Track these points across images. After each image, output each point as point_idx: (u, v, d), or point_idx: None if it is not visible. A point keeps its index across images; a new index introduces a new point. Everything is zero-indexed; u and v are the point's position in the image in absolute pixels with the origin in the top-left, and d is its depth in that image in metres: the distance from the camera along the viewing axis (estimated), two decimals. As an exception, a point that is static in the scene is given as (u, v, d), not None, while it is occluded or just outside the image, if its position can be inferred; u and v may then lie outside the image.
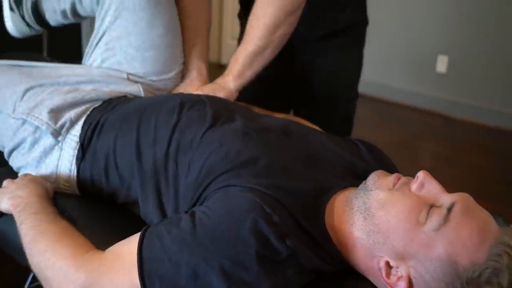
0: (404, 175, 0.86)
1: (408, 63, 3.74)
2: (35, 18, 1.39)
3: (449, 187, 0.82)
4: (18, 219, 0.90)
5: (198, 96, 1.11)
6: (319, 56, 1.49)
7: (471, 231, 0.74)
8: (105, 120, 1.05)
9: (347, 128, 1.61)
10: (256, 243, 0.74)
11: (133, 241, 0.79)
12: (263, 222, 0.76)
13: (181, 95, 1.11)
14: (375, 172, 0.85)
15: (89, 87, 1.14)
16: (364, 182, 0.85)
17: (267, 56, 1.26)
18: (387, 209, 0.79)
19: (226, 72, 1.27)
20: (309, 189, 0.86)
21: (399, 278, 0.77)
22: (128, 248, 0.78)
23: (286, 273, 0.76)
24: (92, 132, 1.05)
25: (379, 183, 0.82)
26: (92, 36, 1.27)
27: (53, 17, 1.38)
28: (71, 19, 1.38)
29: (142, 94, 1.19)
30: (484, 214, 0.77)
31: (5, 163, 1.18)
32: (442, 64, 3.63)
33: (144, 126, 1.01)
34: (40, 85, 1.12)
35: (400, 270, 0.77)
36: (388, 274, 0.78)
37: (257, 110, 1.23)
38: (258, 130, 0.97)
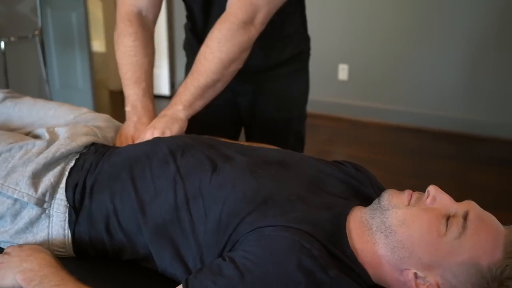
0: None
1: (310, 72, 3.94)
2: None
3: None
4: None
5: (181, 139, 1.09)
6: (269, 82, 1.54)
7: (487, 235, 0.82)
8: (93, 182, 1.00)
9: (300, 146, 1.68)
10: (304, 279, 0.77)
11: None
12: (306, 258, 0.78)
13: (163, 141, 1.08)
14: (387, 191, 0.91)
15: (55, 142, 1.08)
16: (377, 201, 0.91)
17: (219, 88, 1.28)
18: (408, 225, 0.85)
19: (175, 101, 1.25)
20: (326, 217, 0.90)
21: (428, 287, 0.84)
22: None
23: None
24: (82, 195, 1.00)
25: (395, 202, 0.89)
26: None
27: None
28: None
29: (99, 137, 1.16)
30: (492, 218, 0.86)
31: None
32: (343, 72, 3.89)
33: (139, 181, 0.98)
34: (9, 150, 1.04)
35: (429, 279, 0.84)
36: (418, 285, 0.84)
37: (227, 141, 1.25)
38: (261, 165, 1.00)
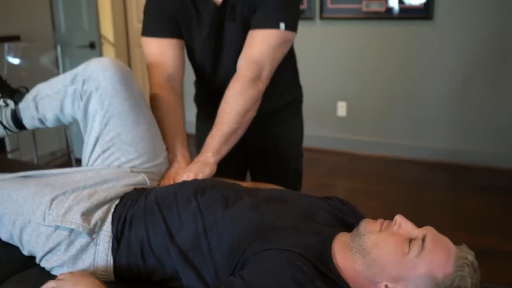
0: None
1: (311, 110, 4.22)
2: (13, 123, 1.54)
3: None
4: None
5: (203, 182, 1.34)
6: (269, 127, 1.79)
7: (441, 252, 1.05)
8: (132, 216, 1.25)
9: (299, 181, 1.92)
10: None
11: None
12: (298, 273, 1.02)
13: (189, 184, 1.33)
14: (364, 220, 1.15)
15: (104, 186, 1.33)
16: (356, 228, 1.14)
17: (239, 134, 1.53)
18: (380, 247, 1.08)
19: (205, 149, 1.50)
20: (315, 241, 1.13)
21: None
22: None
23: None
24: (123, 226, 1.24)
25: (369, 229, 1.12)
26: (85, 144, 1.45)
27: (31, 123, 1.53)
28: (47, 125, 1.53)
29: (148, 182, 1.40)
30: (445, 239, 1.09)
31: (30, 265, 1.31)
32: (342, 109, 4.16)
33: (168, 215, 1.22)
34: (63, 193, 1.28)
35: None
36: None
37: (235, 181, 1.50)
38: (263, 202, 1.24)
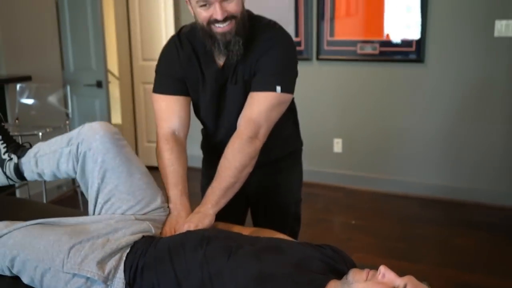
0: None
1: (309, 146, 4.39)
2: (16, 175, 1.74)
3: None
4: None
5: (207, 232, 1.48)
6: (270, 175, 1.92)
7: None
8: (143, 264, 1.39)
9: (298, 225, 2.05)
10: None
11: None
12: None
13: (195, 234, 1.48)
14: (352, 270, 1.30)
15: (116, 235, 1.48)
16: (345, 277, 1.29)
17: (237, 188, 1.67)
18: (366, 295, 1.23)
19: (205, 201, 1.63)
20: None
21: None
22: None
23: None
24: (135, 274, 1.38)
25: (357, 278, 1.27)
26: (89, 199, 1.62)
27: (30, 175, 1.73)
28: (44, 179, 1.74)
29: (153, 229, 1.55)
30: (424, 286, 1.24)
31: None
32: (338, 146, 4.34)
33: (176, 263, 1.37)
34: (80, 242, 1.43)
35: None
36: None
37: (238, 227, 1.65)
38: (263, 251, 1.39)
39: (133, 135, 4.89)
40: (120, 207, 1.57)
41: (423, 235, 3.48)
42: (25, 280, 1.49)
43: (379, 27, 4.03)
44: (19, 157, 1.71)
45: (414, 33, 3.92)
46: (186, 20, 4.64)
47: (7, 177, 1.73)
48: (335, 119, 4.32)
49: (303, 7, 4.22)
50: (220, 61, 1.73)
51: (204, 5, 1.59)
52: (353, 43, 4.13)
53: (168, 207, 1.68)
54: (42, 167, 1.67)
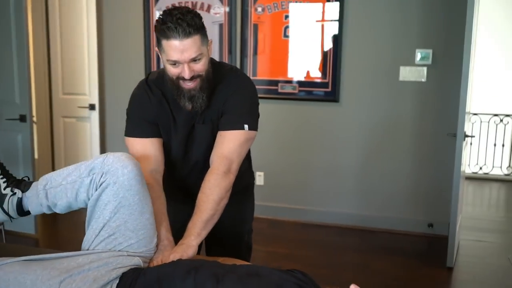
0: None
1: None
2: (17, 210, 1.69)
3: None
4: None
5: (194, 261, 1.58)
6: (227, 207, 2.03)
7: None
8: None
9: (249, 254, 2.20)
10: None
11: None
12: None
13: (184, 263, 1.57)
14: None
15: (106, 268, 1.52)
16: None
17: (215, 219, 1.79)
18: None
19: (187, 233, 1.72)
20: None
21: None
22: None
23: None
24: None
25: None
26: (89, 227, 1.63)
27: (37, 209, 1.69)
28: (54, 211, 1.69)
29: (142, 264, 1.62)
30: None
31: None
32: (259, 178, 4.55)
33: None
34: (70, 275, 1.46)
35: None
36: None
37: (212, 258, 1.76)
38: (246, 277, 1.52)
39: (50, 169, 4.75)
40: (120, 243, 1.60)
41: (344, 261, 3.76)
42: (11, 316, 1.48)
43: (300, 69, 4.37)
44: (23, 191, 1.68)
45: (330, 76, 4.29)
46: (110, 52, 4.68)
47: (6, 213, 1.68)
48: (257, 153, 4.51)
49: (227, 47, 4.45)
50: (189, 105, 1.85)
51: (174, 64, 1.72)
52: (275, 82, 4.41)
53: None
54: (55, 199, 1.63)
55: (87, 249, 1.63)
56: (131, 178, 1.58)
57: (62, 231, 4.35)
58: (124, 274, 1.54)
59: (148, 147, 1.86)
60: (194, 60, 1.71)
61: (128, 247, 1.62)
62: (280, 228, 4.40)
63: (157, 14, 4.54)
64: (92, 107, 4.61)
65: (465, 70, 3.41)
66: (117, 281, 1.51)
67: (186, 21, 1.65)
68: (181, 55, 1.68)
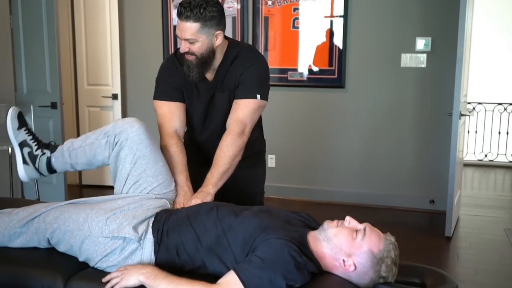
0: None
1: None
2: (47, 168, 2.02)
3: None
4: (154, 283, 1.58)
5: (214, 203, 1.90)
6: (241, 170, 2.29)
7: (375, 237, 1.69)
8: (168, 228, 1.76)
9: (262, 213, 2.50)
10: (292, 260, 1.59)
11: (231, 276, 1.56)
12: (292, 250, 1.61)
13: (206, 203, 1.87)
14: (326, 221, 1.78)
15: (142, 208, 1.83)
16: (321, 227, 1.76)
17: (230, 173, 2.09)
18: (337, 236, 1.70)
19: (206, 183, 2.01)
20: (297, 235, 1.73)
21: (350, 265, 1.68)
22: (232, 279, 1.55)
23: (304, 272, 1.61)
24: (161, 236, 1.75)
25: (330, 225, 1.74)
26: (116, 180, 1.95)
27: (62, 167, 2.02)
28: (76, 169, 2.03)
29: (169, 205, 1.94)
30: (377, 230, 1.74)
31: (84, 267, 1.78)
32: (271, 161, 4.87)
33: (195, 224, 1.76)
34: (114, 213, 1.78)
35: (350, 262, 1.68)
36: (346, 266, 1.69)
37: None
38: (259, 212, 1.82)
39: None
40: (145, 188, 1.92)
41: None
42: (62, 248, 1.80)
43: (308, 58, 4.68)
44: (51, 152, 2.02)
45: (336, 64, 4.60)
46: (131, 46, 5.03)
47: (38, 170, 2.02)
48: (269, 137, 4.80)
49: (239, 39, 4.77)
50: (210, 75, 2.17)
51: (179, 38, 2.06)
52: (284, 71, 4.73)
53: (175, 189, 2.07)
54: (76, 159, 1.97)
55: None
56: (140, 133, 1.89)
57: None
58: (157, 213, 1.86)
59: (173, 109, 2.18)
60: (188, 41, 2.03)
61: (152, 190, 1.93)
62: (290, 207, 4.70)
63: (174, 9, 4.88)
64: (114, 96, 4.99)
65: (460, 53, 3.69)
66: (153, 219, 1.83)
67: (191, 9, 1.97)
68: (180, 33, 2.03)
